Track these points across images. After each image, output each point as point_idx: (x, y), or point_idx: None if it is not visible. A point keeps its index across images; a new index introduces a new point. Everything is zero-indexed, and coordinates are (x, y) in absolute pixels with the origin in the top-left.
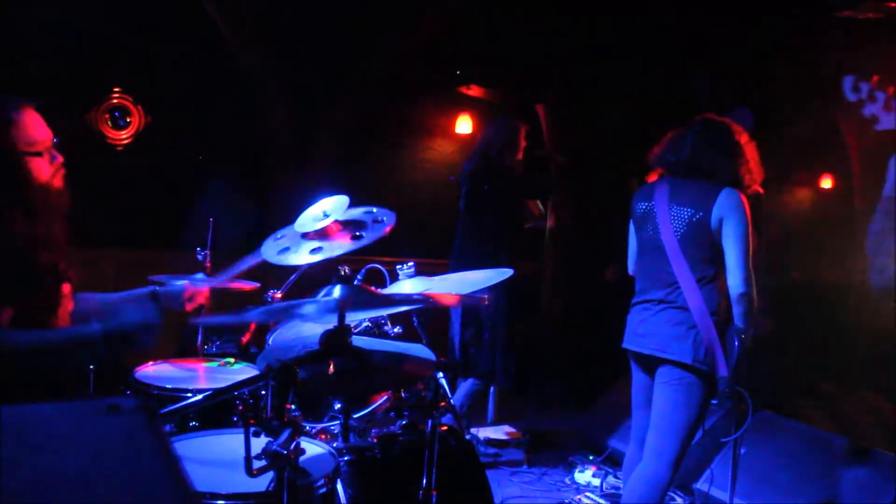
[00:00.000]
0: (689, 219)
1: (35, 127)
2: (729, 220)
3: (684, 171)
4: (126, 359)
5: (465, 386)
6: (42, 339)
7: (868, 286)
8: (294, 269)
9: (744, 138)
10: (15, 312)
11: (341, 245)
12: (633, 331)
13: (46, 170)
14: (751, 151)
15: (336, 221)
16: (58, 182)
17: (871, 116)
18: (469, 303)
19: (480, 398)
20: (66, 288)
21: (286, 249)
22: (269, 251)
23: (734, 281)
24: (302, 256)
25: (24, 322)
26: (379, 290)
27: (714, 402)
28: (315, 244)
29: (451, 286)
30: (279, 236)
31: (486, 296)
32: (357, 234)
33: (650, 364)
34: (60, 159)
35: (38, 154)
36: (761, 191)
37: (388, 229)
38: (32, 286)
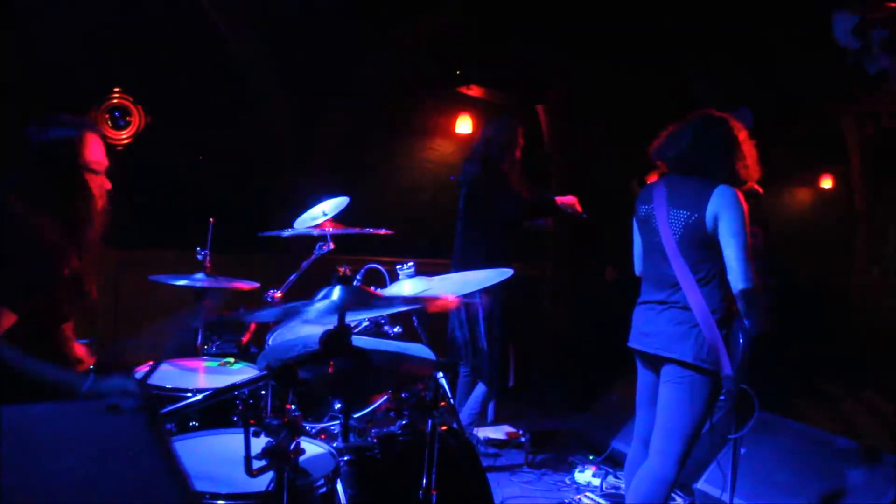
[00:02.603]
0: (685, 221)
1: (97, 150)
2: (724, 217)
3: (681, 166)
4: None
5: (476, 391)
6: (33, 369)
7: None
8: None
9: (742, 135)
10: (26, 318)
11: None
12: (637, 330)
13: (97, 191)
14: (748, 148)
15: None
16: (101, 205)
17: (881, 71)
18: (468, 302)
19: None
20: (78, 302)
21: None
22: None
23: (734, 277)
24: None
25: (33, 329)
26: (378, 291)
27: (722, 398)
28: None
29: (451, 286)
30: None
31: (481, 299)
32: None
33: (655, 363)
34: (108, 186)
35: (95, 173)
36: (760, 190)
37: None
38: (46, 293)
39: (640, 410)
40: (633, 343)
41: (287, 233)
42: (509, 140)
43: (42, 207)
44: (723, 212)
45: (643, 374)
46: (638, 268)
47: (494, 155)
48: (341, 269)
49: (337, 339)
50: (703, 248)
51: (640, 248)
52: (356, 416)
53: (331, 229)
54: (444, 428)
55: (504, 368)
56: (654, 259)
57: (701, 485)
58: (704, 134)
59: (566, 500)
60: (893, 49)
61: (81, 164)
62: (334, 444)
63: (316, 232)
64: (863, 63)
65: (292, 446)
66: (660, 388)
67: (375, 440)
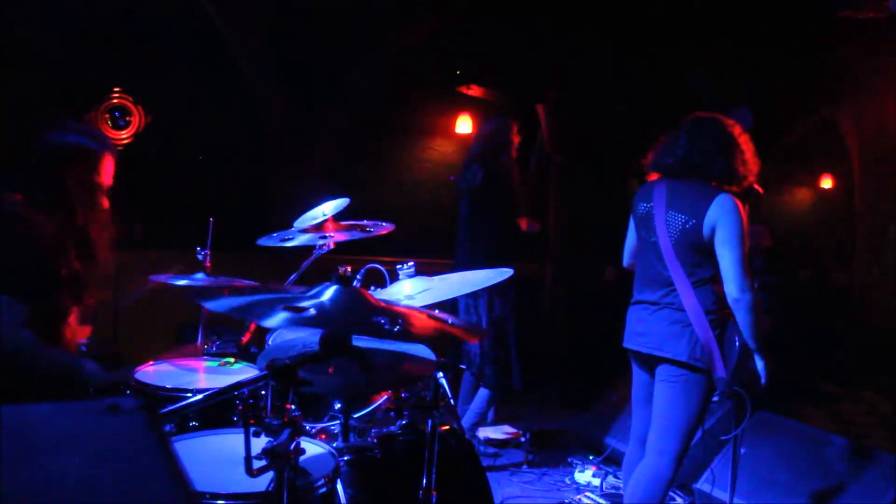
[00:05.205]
0: (682, 225)
1: (108, 169)
2: (722, 226)
3: (680, 170)
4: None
5: (481, 392)
6: (43, 353)
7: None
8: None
9: (736, 130)
10: (28, 314)
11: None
12: (632, 330)
13: (98, 206)
14: (745, 143)
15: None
16: (100, 218)
17: None
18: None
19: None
20: (76, 303)
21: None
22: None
23: (729, 287)
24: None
25: (35, 325)
26: (378, 291)
27: (716, 399)
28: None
29: (451, 285)
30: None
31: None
32: (367, 228)
33: (650, 363)
34: (106, 205)
35: (100, 191)
36: (760, 190)
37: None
38: (43, 291)
39: (636, 410)
40: (628, 343)
41: (289, 242)
42: (504, 140)
43: (42, 208)
44: (721, 221)
45: (638, 374)
46: (626, 260)
47: (490, 156)
48: (342, 269)
49: (337, 339)
50: (698, 252)
51: (634, 245)
52: (356, 416)
53: (332, 234)
54: (444, 428)
55: (511, 372)
56: (649, 258)
57: (700, 485)
58: (697, 136)
59: (566, 500)
60: None
61: (94, 178)
62: (334, 444)
63: (319, 241)
64: None
65: (292, 446)
66: (655, 387)
67: (375, 440)
